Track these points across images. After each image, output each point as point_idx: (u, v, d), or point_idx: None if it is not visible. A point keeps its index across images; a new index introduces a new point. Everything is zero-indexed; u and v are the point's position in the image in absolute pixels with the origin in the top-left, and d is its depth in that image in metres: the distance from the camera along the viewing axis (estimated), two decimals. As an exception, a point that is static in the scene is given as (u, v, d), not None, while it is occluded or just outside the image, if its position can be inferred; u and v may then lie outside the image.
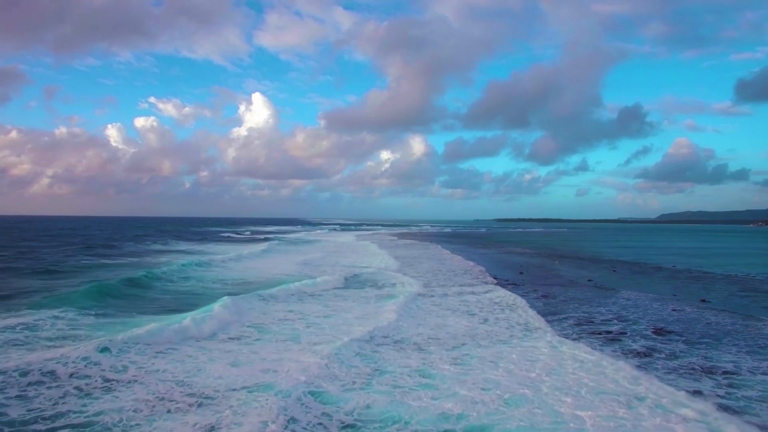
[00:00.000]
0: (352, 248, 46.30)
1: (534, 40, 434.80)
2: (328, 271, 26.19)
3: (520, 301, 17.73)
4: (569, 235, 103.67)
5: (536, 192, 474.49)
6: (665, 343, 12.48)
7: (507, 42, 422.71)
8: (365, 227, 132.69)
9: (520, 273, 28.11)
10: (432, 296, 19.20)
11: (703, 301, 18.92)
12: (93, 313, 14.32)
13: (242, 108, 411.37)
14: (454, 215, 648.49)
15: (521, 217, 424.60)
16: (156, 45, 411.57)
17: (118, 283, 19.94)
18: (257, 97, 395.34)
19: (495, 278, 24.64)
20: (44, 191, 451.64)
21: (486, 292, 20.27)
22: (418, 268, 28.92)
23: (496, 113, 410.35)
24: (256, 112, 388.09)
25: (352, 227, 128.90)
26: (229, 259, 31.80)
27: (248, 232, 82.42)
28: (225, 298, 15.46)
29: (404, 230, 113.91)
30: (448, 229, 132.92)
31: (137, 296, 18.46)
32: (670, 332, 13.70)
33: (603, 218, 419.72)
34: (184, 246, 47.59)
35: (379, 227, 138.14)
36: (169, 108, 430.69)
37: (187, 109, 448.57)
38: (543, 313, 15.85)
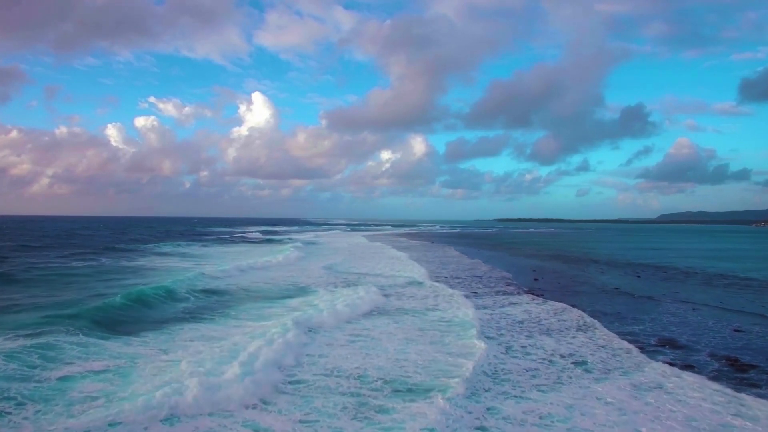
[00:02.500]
0: (370, 251, 42.30)
1: (535, 40, 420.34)
2: (356, 280, 22.35)
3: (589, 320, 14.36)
4: (575, 235, 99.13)
5: (537, 192, 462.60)
6: (753, 386, 8.94)
7: (509, 41, 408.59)
8: (373, 227, 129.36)
9: (536, 279, 24.52)
10: (485, 308, 16.05)
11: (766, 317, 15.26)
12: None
13: (242, 108, 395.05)
14: (454, 215, 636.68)
15: (521, 217, 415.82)
16: (157, 44, 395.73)
17: (121, 300, 15.09)
18: (257, 97, 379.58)
19: (527, 288, 21.23)
20: (44, 191, 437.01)
21: (532, 302, 16.92)
22: (447, 275, 25.34)
23: (499, 113, 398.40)
24: (257, 112, 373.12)
25: (362, 227, 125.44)
26: (262, 266, 27.56)
27: (258, 233, 79.25)
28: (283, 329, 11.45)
29: (412, 230, 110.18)
30: (458, 229, 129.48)
31: (140, 321, 13.34)
32: (750, 367, 10.17)
33: (603, 218, 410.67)
34: (197, 249, 43.13)
35: (388, 227, 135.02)
36: (169, 108, 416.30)
37: (187, 109, 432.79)
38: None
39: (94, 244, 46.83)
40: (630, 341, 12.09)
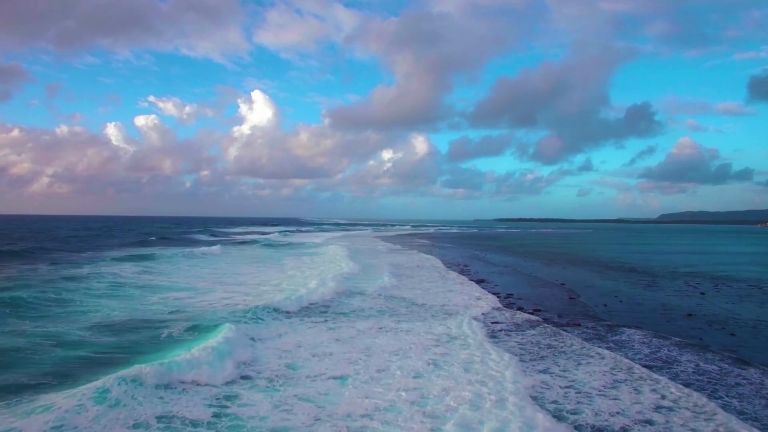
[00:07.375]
0: (409, 260, 33.46)
1: (539, 39, 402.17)
2: (441, 317, 14.77)
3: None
4: (589, 237, 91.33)
5: (538, 192, 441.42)
6: None
7: (513, 40, 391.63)
8: (389, 227, 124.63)
9: (571, 298, 18.82)
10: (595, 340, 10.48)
11: None
12: None
13: (243, 107, 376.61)
14: (454, 215, 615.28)
15: (521, 217, 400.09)
16: (158, 42, 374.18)
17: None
18: (258, 96, 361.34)
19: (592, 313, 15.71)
20: (44, 190, 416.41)
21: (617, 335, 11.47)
22: (501, 290, 20.24)
23: (503, 112, 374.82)
24: (257, 111, 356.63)
25: (381, 228, 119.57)
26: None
27: (276, 233, 74.33)
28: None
29: (428, 232, 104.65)
30: (475, 230, 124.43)
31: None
32: None
33: (603, 218, 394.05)
34: (226, 257, 36.24)
35: (408, 227, 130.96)
36: (169, 107, 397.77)
37: (187, 108, 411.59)
38: None
39: (108, 244, 42.15)
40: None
